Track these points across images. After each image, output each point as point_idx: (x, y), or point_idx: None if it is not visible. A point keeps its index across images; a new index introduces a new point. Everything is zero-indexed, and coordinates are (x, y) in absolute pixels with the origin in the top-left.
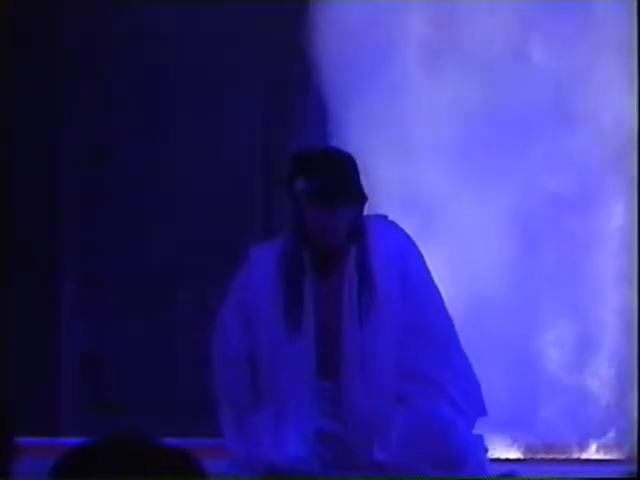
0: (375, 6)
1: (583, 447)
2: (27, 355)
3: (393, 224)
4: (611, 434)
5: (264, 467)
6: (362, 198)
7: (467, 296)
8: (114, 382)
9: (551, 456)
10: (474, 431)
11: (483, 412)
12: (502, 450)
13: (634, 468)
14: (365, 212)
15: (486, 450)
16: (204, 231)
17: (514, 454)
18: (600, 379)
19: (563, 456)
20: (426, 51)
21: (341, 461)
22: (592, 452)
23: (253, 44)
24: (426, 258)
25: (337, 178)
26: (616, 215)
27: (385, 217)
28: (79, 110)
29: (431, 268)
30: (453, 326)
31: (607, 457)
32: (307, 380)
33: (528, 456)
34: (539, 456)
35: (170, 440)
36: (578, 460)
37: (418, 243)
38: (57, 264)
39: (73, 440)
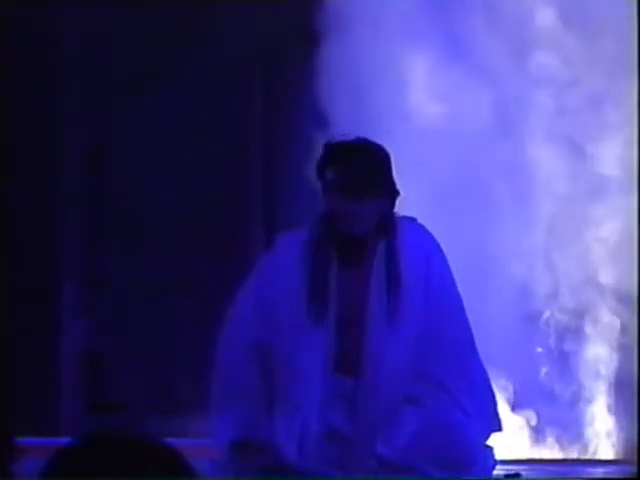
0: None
1: (584, 447)
2: (27, 355)
3: (422, 227)
4: (611, 434)
5: (268, 466)
6: (392, 192)
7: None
8: (114, 382)
9: (552, 456)
10: (486, 443)
11: (497, 427)
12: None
13: (634, 468)
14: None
15: (495, 462)
16: (204, 231)
17: (517, 453)
18: (600, 380)
19: (563, 456)
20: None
21: (345, 457)
22: (592, 452)
23: (253, 45)
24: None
25: (366, 168)
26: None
27: (414, 219)
28: (79, 110)
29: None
30: (472, 337)
31: (607, 457)
32: (324, 370)
33: (529, 456)
34: (539, 456)
35: (170, 440)
36: (578, 460)
37: None
38: (57, 264)
39: (73, 440)
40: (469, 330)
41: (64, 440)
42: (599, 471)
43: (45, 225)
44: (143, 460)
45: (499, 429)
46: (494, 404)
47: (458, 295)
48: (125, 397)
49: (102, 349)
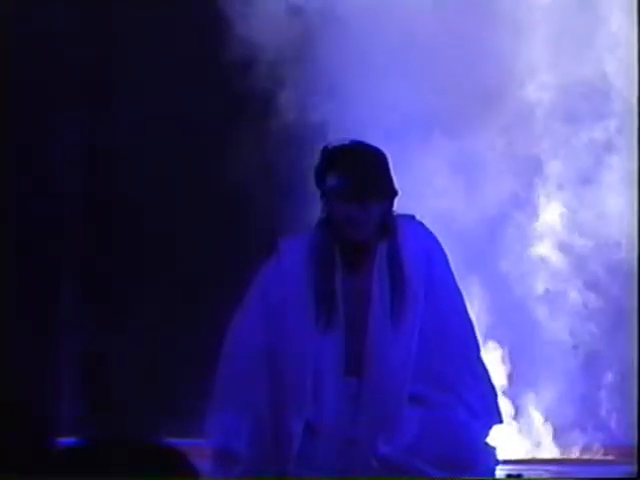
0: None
1: (584, 447)
2: (27, 355)
3: (421, 225)
4: (611, 434)
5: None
6: (392, 192)
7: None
8: (114, 382)
9: (552, 456)
10: (489, 440)
11: (499, 420)
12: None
13: (634, 468)
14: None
15: (497, 462)
16: (204, 232)
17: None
18: (600, 380)
19: (563, 456)
20: None
21: (348, 457)
22: (593, 452)
23: (253, 46)
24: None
25: (367, 173)
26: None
27: (413, 217)
28: (79, 110)
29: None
30: (474, 332)
31: (607, 457)
32: (333, 374)
33: (529, 456)
34: (539, 456)
35: (170, 440)
36: (579, 460)
37: None
38: (57, 264)
39: (73, 440)
40: (471, 324)
41: (65, 440)
42: (599, 471)
43: (45, 225)
44: (144, 460)
45: (500, 421)
46: (495, 396)
47: (459, 291)
48: (126, 397)
49: (102, 349)
